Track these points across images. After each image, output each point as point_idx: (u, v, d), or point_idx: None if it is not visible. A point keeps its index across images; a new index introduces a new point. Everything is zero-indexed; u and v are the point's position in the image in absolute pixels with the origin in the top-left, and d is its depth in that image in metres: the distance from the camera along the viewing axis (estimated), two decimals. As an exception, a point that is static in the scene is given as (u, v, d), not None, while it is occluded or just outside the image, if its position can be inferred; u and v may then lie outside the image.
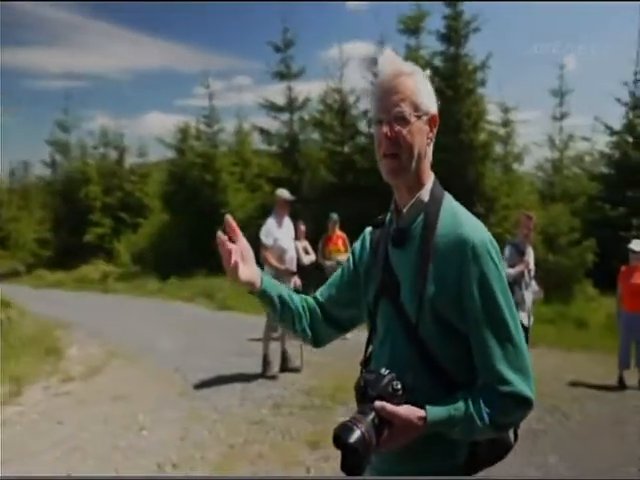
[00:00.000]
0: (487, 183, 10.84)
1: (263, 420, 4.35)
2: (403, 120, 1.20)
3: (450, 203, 1.27)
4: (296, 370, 5.82)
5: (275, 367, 5.73)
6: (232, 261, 1.25)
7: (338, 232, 7.81)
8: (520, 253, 4.88)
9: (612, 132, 11.75)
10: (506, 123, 12.56)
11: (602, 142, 12.61)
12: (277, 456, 3.69)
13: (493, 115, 11.74)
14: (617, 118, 12.91)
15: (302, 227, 7.27)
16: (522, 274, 4.84)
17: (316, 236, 7.59)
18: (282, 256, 5.51)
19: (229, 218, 1.29)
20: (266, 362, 5.65)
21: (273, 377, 5.55)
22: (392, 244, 1.28)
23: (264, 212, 13.67)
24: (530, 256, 4.98)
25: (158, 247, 15.34)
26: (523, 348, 1.16)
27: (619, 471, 3.52)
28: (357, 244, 1.47)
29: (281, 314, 1.40)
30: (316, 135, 13.94)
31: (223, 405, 4.71)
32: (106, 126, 20.10)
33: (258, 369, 5.69)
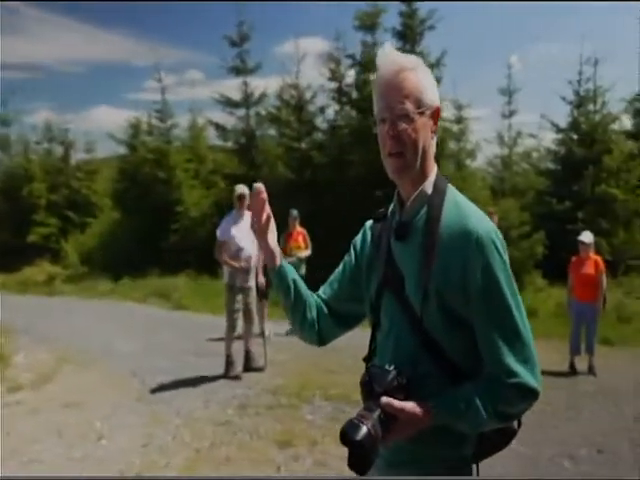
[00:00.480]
0: (442, 179, 11.06)
1: (229, 421, 4.24)
2: (407, 118, 1.18)
3: (453, 195, 1.25)
4: (260, 369, 5.72)
5: (238, 367, 5.61)
6: (264, 217, 1.30)
7: (298, 228, 7.75)
8: None
9: (558, 129, 12.26)
10: (459, 120, 12.89)
11: (548, 139, 13.19)
12: (246, 457, 3.60)
13: (447, 112, 12.00)
14: (562, 116, 13.55)
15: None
16: None
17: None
18: (238, 254, 5.39)
19: (260, 186, 1.30)
20: (229, 362, 5.52)
21: (237, 377, 5.43)
22: (395, 237, 1.26)
23: (219, 209, 13.48)
24: None
25: (108, 247, 14.74)
26: (529, 338, 1.15)
27: (575, 454, 3.65)
28: (358, 238, 1.45)
29: (294, 300, 1.37)
30: (273, 131, 13.81)
31: (186, 408, 4.55)
32: (50, 120, 19.08)
33: (220, 370, 5.55)
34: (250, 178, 12.66)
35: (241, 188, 5.56)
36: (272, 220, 1.32)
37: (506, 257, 1.17)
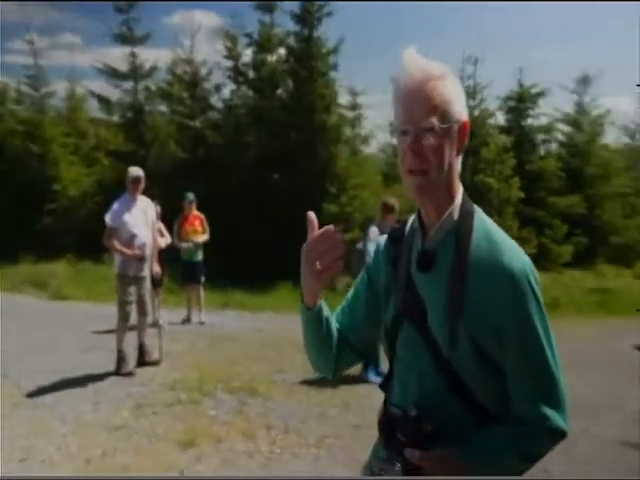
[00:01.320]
0: (338, 164, 11.27)
1: (124, 425, 3.92)
2: (432, 132, 1.06)
3: (483, 221, 1.14)
4: (155, 363, 5.39)
5: (131, 362, 5.23)
6: (337, 264, 1.09)
7: (195, 212, 7.40)
8: (382, 233, 5.17)
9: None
10: (354, 107, 13.18)
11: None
12: (145, 463, 3.35)
13: (342, 99, 12.20)
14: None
15: (158, 208, 6.70)
16: None
17: (165, 216, 7.07)
18: (131, 241, 5.00)
19: (312, 216, 1.13)
20: (120, 357, 5.11)
21: (130, 374, 5.05)
22: (418, 267, 1.14)
23: (102, 188, 12.47)
24: None
25: (-31, 229, 12.93)
26: (560, 380, 1.10)
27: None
28: (370, 260, 1.32)
29: (325, 338, 1.23)
30: (164, 107, 13.00)
31: (72, 413, 4.12)
32: None
33: (110, 366, 5.14)
34: (139, 156, 11.86)
35: (136, 171, 5.13)
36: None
37: (540, 294, 1.09)
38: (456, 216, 1.13)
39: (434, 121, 1.05)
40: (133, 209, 5.07)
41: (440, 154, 1.07)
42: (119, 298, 5.09)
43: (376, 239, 4.92)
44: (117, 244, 4.94)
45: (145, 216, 5.20)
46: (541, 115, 14.19)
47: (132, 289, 5.08)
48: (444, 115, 1.07)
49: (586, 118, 14.60)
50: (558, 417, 1.09)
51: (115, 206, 5.03)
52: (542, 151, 14.39)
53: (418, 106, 1.07)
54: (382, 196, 6.35)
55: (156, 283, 5.65)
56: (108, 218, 4.97)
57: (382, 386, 1.30)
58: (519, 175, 11.89)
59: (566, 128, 14.70)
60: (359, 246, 5.29)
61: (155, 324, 6.19)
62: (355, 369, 5.42)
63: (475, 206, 1.17)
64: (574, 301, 10.46)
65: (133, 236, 5.02)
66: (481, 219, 1.14)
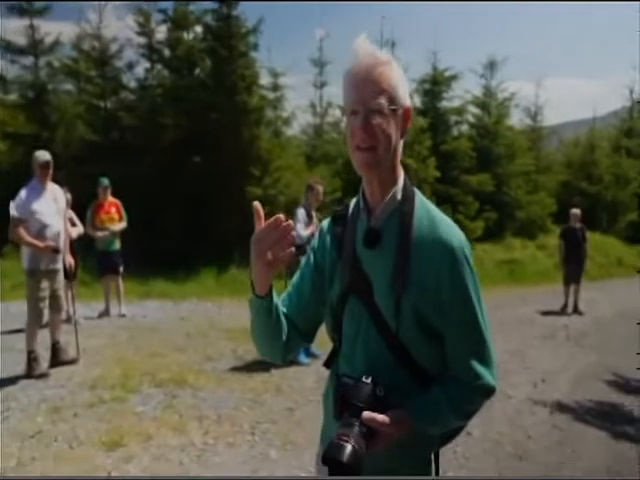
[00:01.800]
0: (261, 146, 11.08)
1: (40, 431, 3.62)
2: (380, 113, 1.14)
3: (423, 203, 1.24)
4: (72, 362, 5.05)
5: (44, 363, 4.86)
6: (286, 252, 1.11)
7: (110, 199, 6.96)
8: (309, 216, 5.20)
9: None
10: (275, 88, 12.98)
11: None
12: (67, 469, 3.14)
13: (263, 79, 11.95)
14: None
15: (68, 195, 6.21)
16: (313, 235, 5.16)
17: (76, 203, 6.59)
18: (42, 232, 4.60)
19: (258, 206, 1.13)
20: (32, 358, 4.72)
21: (43, 375, 4.68)
22: (365, 244, 1.21)
23: (-1, 174, 11.32)
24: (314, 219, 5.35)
25: None
26: (490, 341, 1.22)
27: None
28: (315, 242, 1.37)
29: (275, 323, 1.25)
30: (70, 86, 11.98)
31: (-21, 423, 3.77)
32: None
33: (19, 369, 4.75)
34: (43, 139, 10.90)
35: (44, 155, 4.69)
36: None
37: (473, 265, 1.20)
38: (399, 197, 1.22)
39: (382, 102, 1.13)
40: (42, 197, 4.65)
41: (387, 133, 1.15)
42: (30, 295, 4.67)
43: (304, 220, 4.97)
44: (27, 236, 4.52)
45: (56, 205, 4.80)
46: (454, 98, 14.86)
47: (45, 284, 4.68)
48: (391, 98, 1.15)
49: (493, 101, 15.48)
50: (488, 375, 1.20)
51: (22, 194, 4.57)
52: (455, 132, 15.09)
53: (367, 88, 1.14)
54: (307, 178, 6.36)
55: (70, 276, 5.25)
56: (14, 208, 4.52)
57: (326, 364, 1.35)
58: (435, 155, 12.39)
59: (476, 110, 15.51)
60: None
61: (69, 320, 5.80)
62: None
63: (415, 188, 1.26)
64: (486, 272, 11.20)
65: (45, 226, 4.61)
66: (421, 200, 1.24)
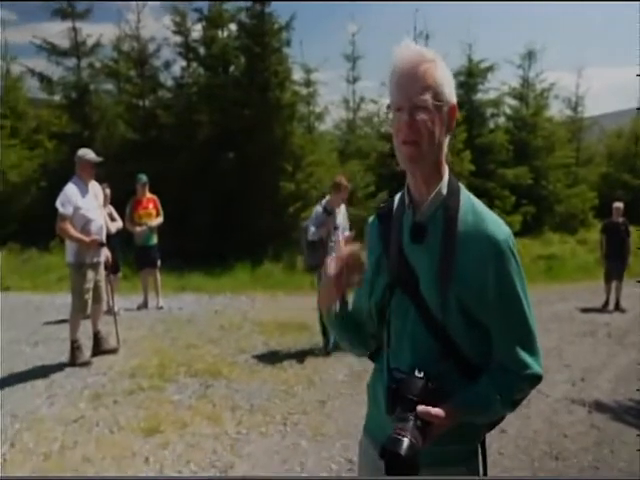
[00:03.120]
0: (294, 142, 11.15)
1: (82, 416, 3.80)
2: (425, 109, 1.16)
3: (468, 197, 1.27)
4: (113, 351, 5.25)
5: (87, 352, 5.07)
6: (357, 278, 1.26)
7: (148, 195, 7.16)
8: (328, 214, 5.21)
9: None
10: (308, 83, 13.00)
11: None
12: (107, 453, 3.28)
13: (296, 75, 12.00)
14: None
15: (108, 191, 6.44)
16: (329, 233, 5.19)
17: (116, 199, 6.82)
18: (87, 227, 4.79)
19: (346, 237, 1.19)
20: (75, 348, 4.93)
21: (86, 364, 4.89)
22: (411, 239, 1.25)
23: (46, 172, 11.85)
24: (341, 215, 5.36)
25: None
26: (536, 331, 1.25)
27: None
28: (367, 241, 1.42)
29: (354, 327, 1.39)
30: (110, 86, 12.37)
31: (25, 408, 3.95)
32: None
33: (63, 358, 4.98)
34: (85, 138, 11.31)
35: (89, 153, 4.89)
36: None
37: (519, 257, 1.23)
38: (444, 192, 1.24)
39: (427, 98, 1.16)
40: (86, 193, 4.85)
41: (431, 129, 1.18)
42: (76, 287, 4.87)
43: (319, 218, 4.99)
44: (73, 231, 4.72)
45: (97, 201, 5.01)
46: (490, 89, 14.53)
47: (90, 276, 4.89)
48: (436, 94, 1.18)
49: (531, 92, 15.05)
50: (535, 363, 1.23)
51: (67, 191, 4.77)
52: (491, 124, 14.76)
53: (413, 85, 1.17)
54: (335, 175, 6.34)
55: (112, 268, 5.45)
56: (60, 204, 4.72)
57: (371, 357, 1.42)
58: (470, 148, 12.17)
59: (513, 102, 15.13)
60: (305, 224, 5.34)
61: (109, 311, 6.02)
62: (318, 344, 5.48)
63: (460, 183, 1.28)
64: (524, 268, 10.89)
65: (89, 221, 4.81)
66: (466, 195, 1.27)
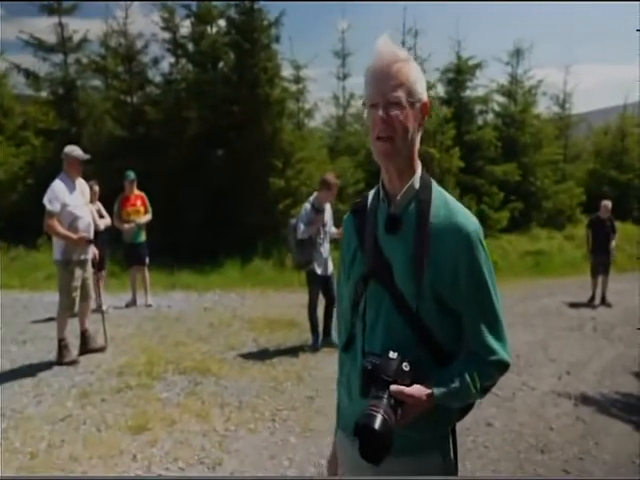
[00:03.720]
0: (284, 138, 11.12)
1: (70, 415, 3.78)
2: (398, 105, 1.22)
3: (439, 191, 1.32)
4: (100, 350, 5.22)
5: (74, 350, 5.04)
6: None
7: (136, 192, 7.11)
8: (317, 211, 5.23)
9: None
10: (297, 80, 12.97)
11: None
12: (94, 452, 3.26)
13: (285, 72, 11.96)
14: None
15: (96, 188, 6.39)
16: (317, 231, 5.20)
17: (104, 196, 6.76)
18: (74, 224, 4.76)
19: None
20: (62, 346, 4.90)
21: (73, 362, 4.86)
22: (386, 230, 1.30)
23: (33, 170, 11.72)
24: (327, 212, 5.38)
25: None
26: (503, 319, 1.30)
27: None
28: (344, 236, 1.47)
29: None
30: (98, 82, 12.24)
31: (12, 407, 3.93)
32: None
33: (50, 356, 4.94)
34: (72, 134, 11.19)
35: (74, 150, 4.86)
36: None
37: (487, 248, 1.29)
38: (417, 186, 1.30)
39: (401, 95, 1.22)
40: (73, 190, 4.81)
41: (405, 125, 1.23)
42: (64, 285, 4.83)
43: (308, 216, 5.04)
44: (61, 228, 4.68)
45: (84, 197, 4.97)
46: (478, 86, 14.58)
47: (77, 273, 4.86)
48: (409, 92, 1.24)
49: (520, 89, 15.13)
50: (502, 350, 1.28)
51: (54, 188, 4.73)
52: (480, 121, 14.82)
53: (387, 82, 1.23)
54: (323, 173, 6.34)
55: (96, 266, 5.40)
56: (47, 201, 4.68)
57: (345, 349, 1.43)
58: (459, 145, 12.21)
59: (501, 99, 15.20)
60: (293, 221, 5.34)
61: (98, 309, 5.97)
62: (308, 341, 5.49)
63: (431, 178, 1.35)
64: (511, 264, 11.03)
65: (76, 218, 4.77)
66: (438, 189, 1.33)
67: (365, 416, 1.09)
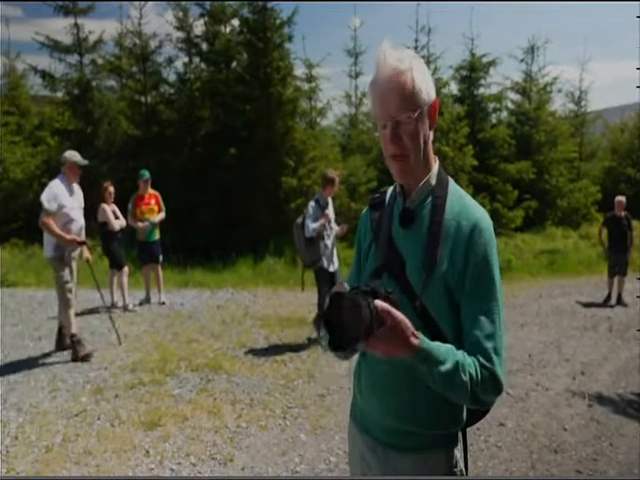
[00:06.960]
0: (296, 137, 11.13)
1: (84, 410, 3.84)
2: (406, 121, 1.22)
3: (455, 188, 1.33)
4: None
5: (88, 345, 5.11)
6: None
7: (150, 191, 7.17)
8: (322, 208, 5.27)
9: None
10: (310, 79, 12.98)
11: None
12: (107, 446, 3.31)
13: (298, 71, 11.99)
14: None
15: (111, 189, 6.47)
16: (324, 227, 5.22)
17: (119, 195, 6.84)
18: (68, 225, 4.84)
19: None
20: (75, 342, 4.97)
21: (88, 356, 4.93)
22: (400, 223, 1.31)
23: (49, 169, 11.88)
24: (331, 208, 5.42)
25: None
26: (503, 330, 1.23)
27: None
28: (359, 230, 1.48)
29: None
30: (113, 82, 12.38)
31: (28, 402, 4.01)
32: None
33: (65, 353, 5.04)
34: (87, 134, 11.35)
35: (74, 155, 4.97)
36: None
37: (497, 249, 1.28)
38: (433, 182, 1.31)
39: (407, 112, 1.21)
40: (70, 193, 4.93)
41: (416, 139, 1.24)
42: (59, 282, 4.88)
43: (315, 213, 5.09)
44: (55, 228, 4.76)
45: (78, 201, 5.08)
46: (492, 84, 14.43)
47: (72, 267, 4.96)
48: (415, 103, 1.22)
49: (534, 86, 14.95)
50: (499, 366, 1.19)
51: (53, 188, 4.81)
52: (493, 119, 14.67)
53: (392, 101, 1.21)
54: (325, 170, 6.35)
55: (117, 264, 5.46)
56: (45, 200, 4.76)
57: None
58: (472, 143, 12.11)
59: (515, 96, 15.03)
60: (299, 220, 5.36)
61: (111, 306, 6.04)
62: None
63: (447, 175, 1.35)
64: (526, 263, 10.89)
65: (70, 220, 4.87)
66: (454, 186, 1.34)
67: (336, 288, 1.04)
